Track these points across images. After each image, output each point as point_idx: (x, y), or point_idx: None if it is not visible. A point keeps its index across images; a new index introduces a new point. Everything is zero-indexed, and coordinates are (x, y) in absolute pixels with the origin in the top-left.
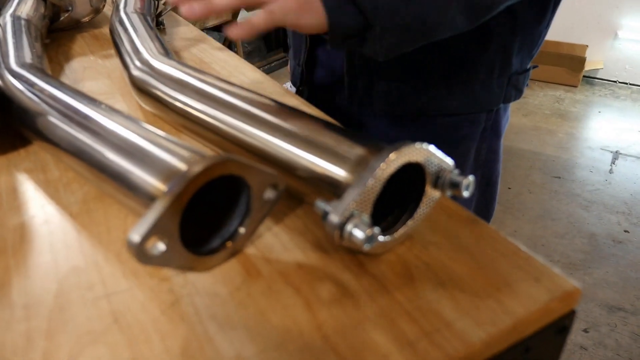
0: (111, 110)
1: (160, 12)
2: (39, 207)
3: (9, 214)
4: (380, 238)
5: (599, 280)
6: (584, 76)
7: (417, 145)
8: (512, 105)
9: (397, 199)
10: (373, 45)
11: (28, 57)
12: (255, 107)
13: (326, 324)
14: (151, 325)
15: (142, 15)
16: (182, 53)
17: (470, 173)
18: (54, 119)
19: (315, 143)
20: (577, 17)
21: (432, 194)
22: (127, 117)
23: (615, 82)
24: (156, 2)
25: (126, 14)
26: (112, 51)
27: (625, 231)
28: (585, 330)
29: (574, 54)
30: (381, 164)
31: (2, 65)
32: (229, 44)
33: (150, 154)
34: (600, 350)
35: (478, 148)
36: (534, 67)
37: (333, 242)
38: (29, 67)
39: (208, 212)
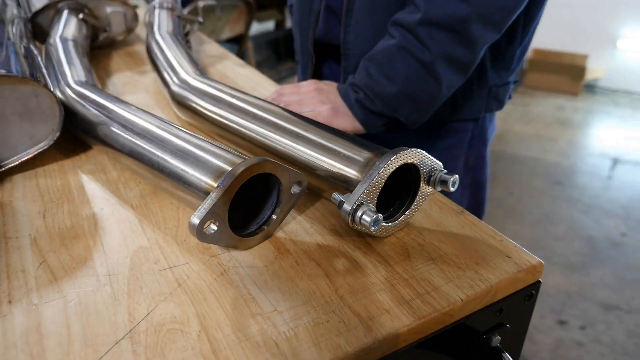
0: (163, 121)
1: (188, 32)
2: (104, 201)
3: (81, 206)
4: (384, 224)
5: (597, 281)
6: (585, 85)
7: (413, 150)
8: (515, 113)
9: (397, 193)
10: (403, 125)
11: (82, 74)
12: (280, 119)
13: (341, 288)
14: (207, 289)
15: (175, 36)
16: (209, 69)
17: (461, 177)
18: (116, 129)
19: (331, 148)
20: (577, 27)
21: (425, 189)
22: (177, 127)
23: (615, 90)
24: (184, 23)
25: (161, 35)
26: (147, 67)
27: (623, 234)
28: (582, 328)
29: (574, 64)
30: (384, 165)
31: (62, 83)
32: (242, 55)
33: (202, 158)
34: (597, 346)
35: (467, 155)
36: (516, 81)
37: (346, 226)
38: (86, 84)
39: (248, 203)
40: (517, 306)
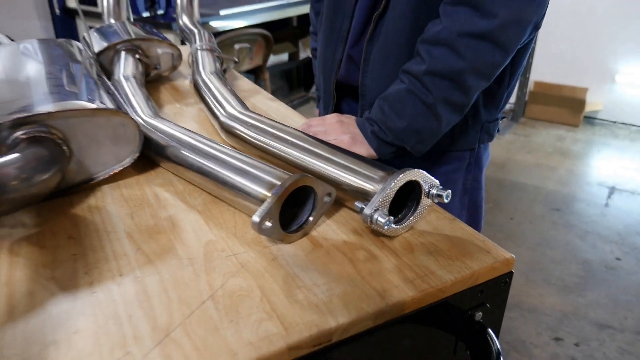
0: (221, 145)
1: (225, 69)
2: (175, 207)
3: (159, 210)
4: (394, 226)
5: (591, 302)
6: (585, 117)
7: (416, 170)
8: (517, 143)
9: (404, 203)
10: (410, 152)
11: (148, 106)
12: (311, 145)
13: (362, 271)
14: (263, 269)
15: (217, 74)
16: (249, 100)
17: (460, 198)
18: (185, 152)
19: (353, 169)
20: (577, 62)
21: (425, 201)
22: (234, 150)
23: (614, 122)
24: (221, 62)
25: (206, 75)
26: (191, 100)
27: (617, 259)
28: (577, 344)
29: (574, 96)
30: (394, 181)
31: (135, 114)
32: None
33: (257, 174)
34: None
35: (464, 179)
36: (503, 117)
37: (365, 227)
38: (155, 115)
39: (291, 208)
40: (494, 290)
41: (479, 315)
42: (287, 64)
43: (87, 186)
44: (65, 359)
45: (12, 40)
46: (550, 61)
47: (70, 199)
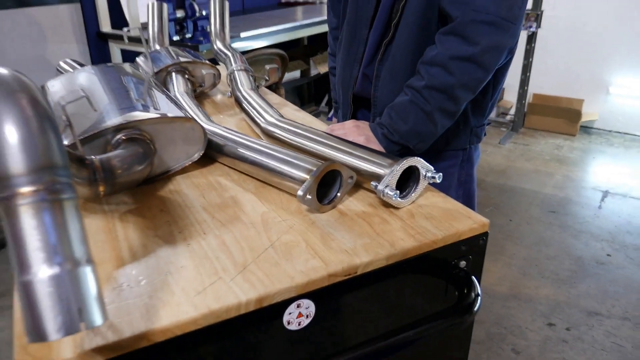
0: (266, 143)
1: (258, 85)
2: (234, 190)
3: (222, 192)
4: (399, 199)
5: (582, 292)
6: (582, 126)
7: (416, 157)
8: (517, 151)
9: (407, 182)
10: (413, 149)
11: (204, 115)
12: (337, 143)
13: (377, 230)
14: (305, 230)
15: (254, 90)
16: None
17: (455, 190)
18: (241, 148)
19: (368, 159)
20: (573, 75)
21: (422, 182)
22: (276, 146)
23: (610, 131)
24: (255, 80)
25: (245, 91)
26: (232, 112)
27: (608, 255)
28: (568, 329)
29: (571, 107)
30: (399, 165)
31: (199, 121)
32: None
33: (296, 163)
34: (579, 344)
35: (459, 173)
36: (488, 123)
37: (378, 200)
38: (211, 122)
39: (324, 187)
40: (474, 245)
41: (462, 264)
42: (299, 80)
43: (165, 176)
44: (180, 282)
45: (81, 65)
46: (547, 75)
47: (154, 185)
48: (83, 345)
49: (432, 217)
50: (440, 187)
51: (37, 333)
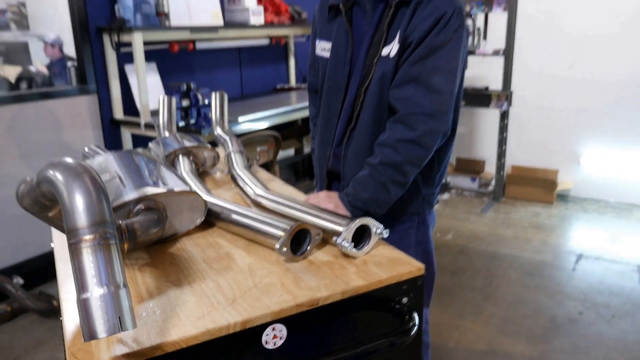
0: (253, 210)
1: (251, 164)
2: (229, 247)
3: (218, 249)
4: (354, 250)
5: (555, 348)
6: (559, 194)
7: (368, 218)
8: (497, 220)
9: (361, 237)
10: (373, 214)
11: (205, 189)
12: (310, 208)
13: (337, 273)
14: (282, 274)
15: (246, 169)
16: (267, 185)
17: (414, 249)
18: (234, 215)
19: (331, 220)
20: (546, 147)
21: (374, 237)
22: (262, 213)
23: (585, 198)
24: (248, 160)
25: (240, 169)
26: (228, 186)
27: (580, 313)
28: None
29: (547, 178)
30: (354, 224)
31: (200, 194)
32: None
33: (275, 224)
34: None
35: (416, 234)
36: (438, 192)
37: (339, 252)
38: (211, 194)
39: (297, 240)
40: (413, 285)
41: (404, 300)
42: (294, 157)
43: (173, 237)
44: (185, 311)
45: (105, 150)
46: (523, 148)
47: (165, 244)
48: (115, 352)
49: (380, 264)
50: (400, 246)
51: (90, 334)
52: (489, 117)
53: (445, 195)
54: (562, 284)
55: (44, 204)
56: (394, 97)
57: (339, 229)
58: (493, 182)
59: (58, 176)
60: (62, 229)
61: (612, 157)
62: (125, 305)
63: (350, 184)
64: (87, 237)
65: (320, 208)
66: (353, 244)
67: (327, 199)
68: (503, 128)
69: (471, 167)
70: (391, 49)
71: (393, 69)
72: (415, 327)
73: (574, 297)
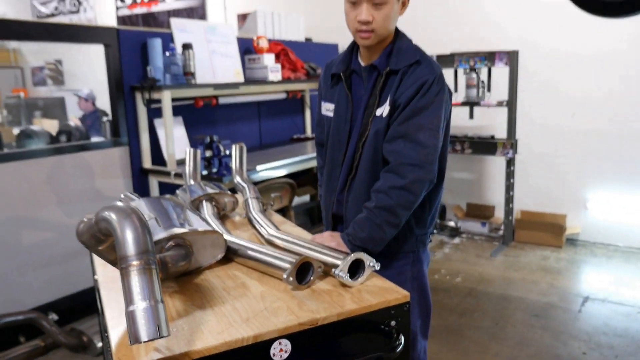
0: (266, 247)
1: (265, 209)
2: (245, 278)
3: (235, 279)
4: (351, 280)
5: None
6: (568, 239)
7: (361, 253)
8: (506, 263)
9: (357, 269)
10: (371, 251)
11: (226, 229)
12: (315, 246)
13: (334, 299)
14: (288, 300)
15: (262, 213)
16: (279, 226)
17: (410, 284)
18: (249, 251)
19: (331, 254)
20: (553, 192)
21: (367, 269)
22: (273, 249)
23: (594, 243)
24: (263, 205)
25: (256, 213)
26: (245, 228)
27: (584, 353)
28: None
29: (555, 222)
30: (349, 258)
31: (222, 233)
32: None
33: (284, 258)
34: None
35: (412, 270)
36: (432, 232)
37: (337, 282)
38: (230, 234)
39: (302, 271)
40: (399, 310)
41: (393, 323)
42: (309, 203)
43: (198, 270)
44: (207, 328)
45: (139, 196)
46: (531, 193)
47: (191, 276)
48: (152, 357)
49: (372, 292)
50: (397, 281)
51: (135, 338)
52: (497, 163)
53: (456, 240)
54: (568, 325)
55: (99, 238)
56: (386, 150)
57: (337, 262)
58: (502, 227)
59: (113, 216)
60: (107, 260)
61: (618, 201)
62: (162, 316)
63: (350, 225)
64: (135, 262)
65: (323, 245)
66: (349, 274)
67: (330, 238)
68: (510, 174)
69: (481, 212)
70: (383, 110)
71: (385, 127)
72: (401, 346)
73: (579, 338)
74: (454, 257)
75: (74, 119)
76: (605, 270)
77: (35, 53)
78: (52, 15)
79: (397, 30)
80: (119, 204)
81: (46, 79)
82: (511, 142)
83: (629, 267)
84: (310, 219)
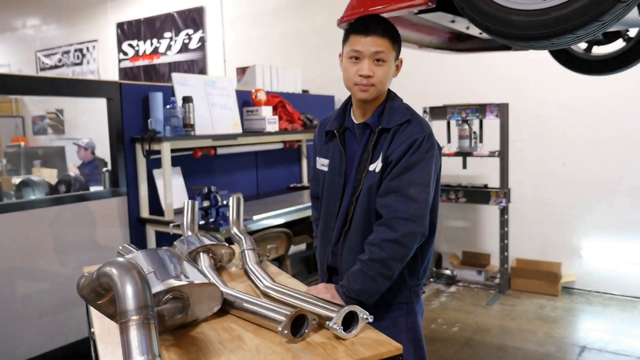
0: (262, 300)
1: (261, 260)
2: (240, 331)
3: (231, 332)
4: (344, 333)
5: None
6: (564, 287)
7: (355, 306)
8: (503, 312)
9: (350, 322)
10: (365, 303)
11: (222, 281)
12: (310, 299)
13: (328, 351)
14: (283, 353)
15: (257, 264)
16: (275, 278)
17: (404, 335)
18: (245, 303)
19: (325, 307)
20: (548, 240)
21: (361, 322)
22: (268, 302)
23: (590, 291)
24: (259, 256)
25: (252, 264)
26: (242, 279)
27: None
28: None
29: (550, 270)
30: (343, 311)
31: (219, 286)
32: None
33: (279, 311)
34: None
35: (406, 321)
36: (424, 283)
37: (331, 334)
38: (226, 286)
39: (297, 324)
40: None
41: None
42: (305, 252)
43: (195, 322)
44: None
45: (136, 249)
46: (525, 241)
47: (187, 328)
48: None
49: (365, 344)
50: (391, 332)
51: None
52: (491, 211)
53: (453, 288)
54: None
55: (100, 293)
56: (379, 204)
57: (332, 314)
58: (498, 275)
59: (114, 271)
60: (106, 314)
61: (611, 250)
62: None
63: (345, 277)
64: (134, 317)
65: (317, 297)
66: (343, 327)
67: (325, 290)
68: (504, 223)
69: (477, 260)
70: (376, 166)
71: (378, 181)
72: None
73: None
74: (451, 305)
75: (72, 168)
76: (601, 319)
77: (36, 103)
78: (56, 66)
79: (389, 91)
80: (120, 259)
81: (46, 127)
82: (504, 191)
83: (626, 316)
84: (307, 267)
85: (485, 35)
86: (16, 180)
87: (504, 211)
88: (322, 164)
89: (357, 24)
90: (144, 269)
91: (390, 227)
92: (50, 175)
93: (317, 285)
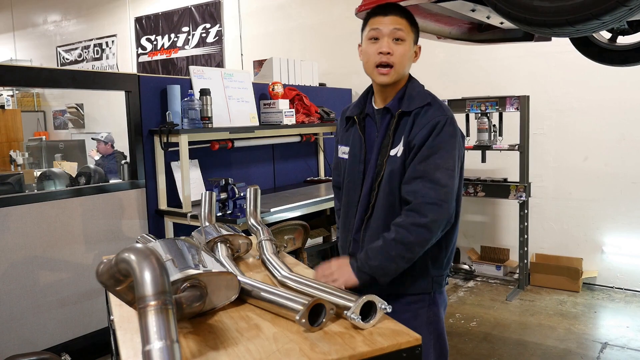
0: (279, 289)
1: (279, 251)
2: (258, 320)
3: (248, 320)
4: (363, 322)
5: None
6: (585, 283)
7: (373, 295)
8: (522, 307)
9: (368, 311)
10: (377, 281)
11: (239, 271)
12: (324, 287)
13: (346, 341)
14: (301, 342)
15: (275, 254)
16: (293, 268)
17: (426, 328)
18: (263, 292)
19: (343, 296)
20: (568, 236)
21: (379, 312)
22: (285, 291)
23: (612, 287)
24: (276, 247)
25: (269, 255)
26: (259, 270)
27: None
28: None
29: (571, 266)
30: (361, 300)
31: (235, 274)
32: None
33: (297, 300)
34: None
35: (428, 314)
36: (448, 275)
37: (349, 324)
38: (244, 275)
39: (314, 313)
40: (411, 353)
41: None
42: (322, 245)
43: (212, 311)
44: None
45: (155, 238)
46: (546, 236)
47: (205, 317)
48: None
49: (384, 334)
50: (412, 325)
51: None
52: (511, 206)
53: (471, 283)
54: None
55: (118, 279)
56: (405, 191)
57: (350, 304)
58: (517, 271)
59: (132, 257)
60: (124, 300)
61: (635, 246)
62: (177, 356)
63: (363, 251)
64: (152, 302)
65: (335, 287)
66: (361, 317)
67: (337, 264)
68: (523, 217)
69: (496, 256)
70: (398, 150)
71: (400, 166)
72: None
73: None
74: (469, 300)
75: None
76: (624, 315)
77: (57, 97)
78: (76, 61)
79: (409, 76)
80: (140, 245)
81: (67, 122)
82: (524, 185)
83: None
84: (323, 260)
85: (506, 25)
86: (38, 172)
87: (523, 205)
88: (344, 152)
89: (376, 8)
90: (165, 257)
91: (420, 212)
92: (70, 167)
93: (330, 261)
